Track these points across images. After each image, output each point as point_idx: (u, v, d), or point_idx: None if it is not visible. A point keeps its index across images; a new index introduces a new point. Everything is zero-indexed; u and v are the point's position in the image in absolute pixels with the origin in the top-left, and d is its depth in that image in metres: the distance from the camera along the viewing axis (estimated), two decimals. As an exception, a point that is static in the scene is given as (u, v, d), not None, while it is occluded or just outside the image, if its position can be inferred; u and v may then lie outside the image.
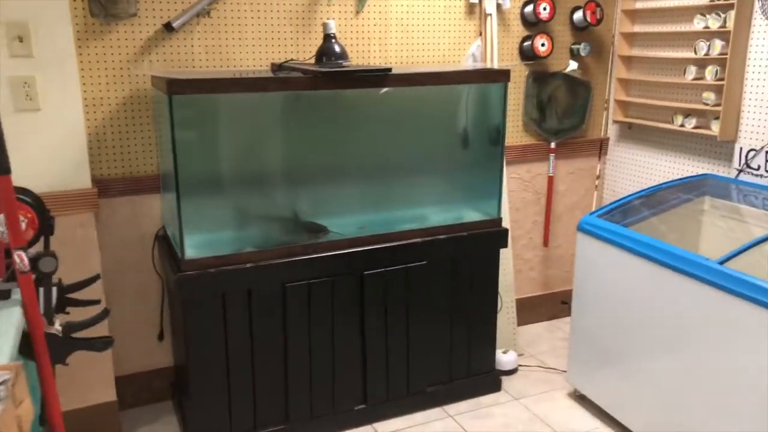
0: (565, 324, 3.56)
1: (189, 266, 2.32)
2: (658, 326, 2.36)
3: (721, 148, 2.97)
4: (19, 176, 2.25)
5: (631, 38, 3.34)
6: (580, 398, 2.89)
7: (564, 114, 3.42)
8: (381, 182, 2.83)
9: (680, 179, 3.01)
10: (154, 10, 2.55)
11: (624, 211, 2.78)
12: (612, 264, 2.55)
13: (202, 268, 2.33)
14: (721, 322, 2.11)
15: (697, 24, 2.92)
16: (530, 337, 3.52)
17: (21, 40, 2.19)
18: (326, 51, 2.57)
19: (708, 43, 2.87)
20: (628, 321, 2.50)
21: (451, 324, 2.81)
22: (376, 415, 2.74)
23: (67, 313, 1.66)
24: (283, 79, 2.39)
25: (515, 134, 3.38)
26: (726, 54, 2.77)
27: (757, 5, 2.72)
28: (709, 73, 2.87)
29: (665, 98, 3.21)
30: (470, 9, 3.11)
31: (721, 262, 2.14)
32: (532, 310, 3.66)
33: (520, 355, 3.28)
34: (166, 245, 2.59)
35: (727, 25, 2.78)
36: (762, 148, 2.75)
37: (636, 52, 3.34)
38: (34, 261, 1.46)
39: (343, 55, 2.58)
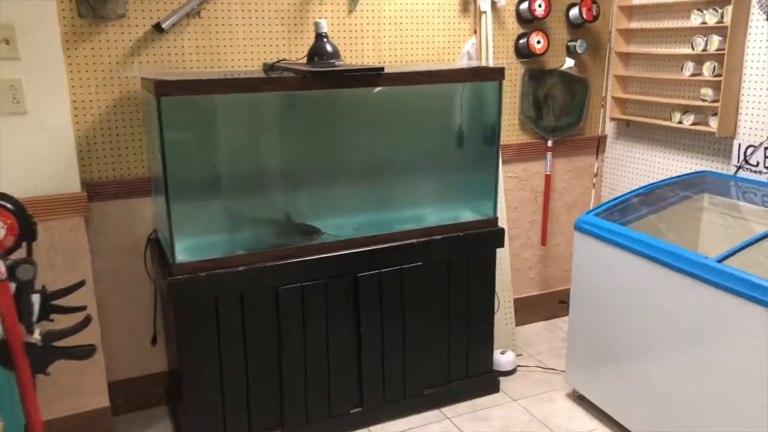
0: (563, 323, 3.53)
1: (180, 270, 2.29)
2: (656, 325, 2.34)
3: (720, 144, 2.94)
4: (6, 180, 2.25)
5: (627, 35, 3.31)
6: (579, 399, 2.86)
7: (561, 112, 3.39)
8: (375, 183, 2.80)
9: (678, 176, 2.98)
10: (143, 11, 2.52)
11: (622, 209, 2.75)
12: (610, 263, 2.52)
13: (193, 272, 2.30)
14: (720, 321, 2.09)
15: (695, 19, 2.89)
16: (529, 337, 3.49)
17: (7, 42, 2.16)
18: (318, 50, 2.54)
19: (705, 39, 2.83)
20: (627, 320, 2.48)
21: (448, 325, 2.78)
22: (372, 418, 2.71)
23: (52, 320, 1.63)
24: (274, 79, 2.36)
25: (512, 133, 3.35)
26: (724, 50, 2.74)
27: (754, 0, 2.68)
28: (707, 69, 2.84)
29: (663, 95, 3.17)
30: (465, 6, 3.08)
31: (720, 261, 2.12)
32: (530, 309, 3.63)
33: (518, 355, 3.25)
34: (158, 249, 2.56)
35: (725, 20, 2.75)
36: (761, 144, 2.72)
37: (633, 48, 3.31)
38: (11, 269, 1.42)
39: (335, 55, 2.55)
